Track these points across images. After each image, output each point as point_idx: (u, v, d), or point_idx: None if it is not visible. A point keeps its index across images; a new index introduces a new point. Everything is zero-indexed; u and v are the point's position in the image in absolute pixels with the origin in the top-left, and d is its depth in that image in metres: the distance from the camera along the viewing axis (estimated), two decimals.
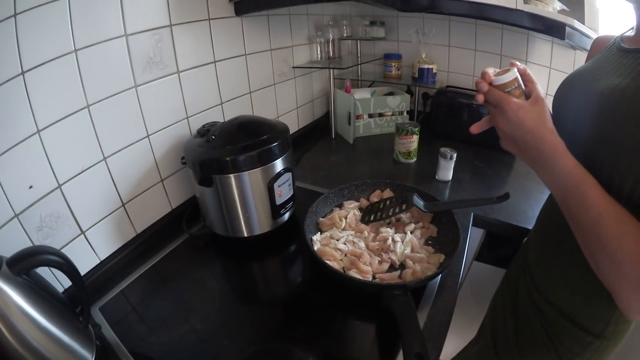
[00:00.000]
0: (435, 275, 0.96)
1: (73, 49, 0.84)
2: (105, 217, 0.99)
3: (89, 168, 0.92)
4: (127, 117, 0.99)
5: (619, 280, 0.60)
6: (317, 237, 1.14)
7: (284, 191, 1.17)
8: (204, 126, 1.15)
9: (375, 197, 1.30)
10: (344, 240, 1.12)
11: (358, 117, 1.90)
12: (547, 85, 1.68)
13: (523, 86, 0.72)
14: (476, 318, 1.27)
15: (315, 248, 1.09)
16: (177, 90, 1.13)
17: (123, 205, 1.04)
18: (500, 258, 1.48)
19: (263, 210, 1.15)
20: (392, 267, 1.06)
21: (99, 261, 1.00)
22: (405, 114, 1.96)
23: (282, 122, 1.21)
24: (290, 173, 1.19)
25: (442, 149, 1.51)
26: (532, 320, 0.93)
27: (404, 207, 1.17)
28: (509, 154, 1.44)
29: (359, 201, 1.30)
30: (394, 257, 1.06)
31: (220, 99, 1.33)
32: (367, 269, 1.01)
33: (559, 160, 0.65)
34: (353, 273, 0.99)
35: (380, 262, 1.04)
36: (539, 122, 0.68)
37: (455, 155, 1.49)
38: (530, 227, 1.12)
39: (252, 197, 1.11)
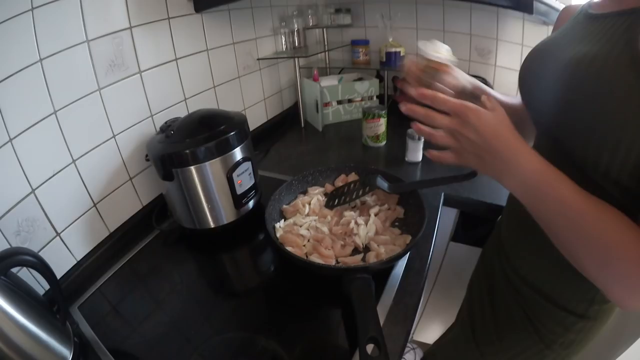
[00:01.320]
0: (398, 257, 0.89)
1: (38, 58, 0.84)
2: (78, 218, 0.98)
3: (59, 171, 0.92)
4: (93, 119, 0.99)
5: (611, 282, 0.53)
6: (280, 225, 1.06)
7: (244, 180, 1.10)
8: (166, 122, 1.11)
9: (340, 182, 1.22)
10: (307, 226, 1.04)
11: (326, 104, 1.83)
12: (520, 63, 1.61)
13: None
14: (458, 300, 1.20)
15: (278, 235, 1.01)
16: (140, 90, 1.11)
17: (94, 205, 1.02)
18: (478, 238, 1.41)
19: (226, 200, 1.09)
20: (356, 251, 0.98)
21: (75, 261, 0.99)
22: (375, 98, 1.88)
23: (241, 113, 1.16)
24: (250, 162, 1.12)
25: (410, 130, 1.43)
26: (510, 302, 0.86)
27: (367, 189, 1.09)
28: None
29: (323, 187, 1.22)
30: (357, 240, 0.98)
31: (184, 95, 1.28)
32: (329, 253, 0.93)
33: (529, 162, 0.58)
34: (314, 258, 0.92)
35: (343, 246, 0.97)
36: (503, 124, 0.60)
37: (423, 138, 1.42)
38: (504, 204, 1.06)
39: (214, 188, 1.05)
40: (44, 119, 0.87)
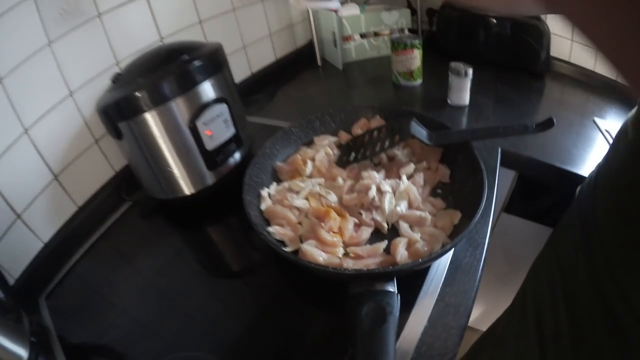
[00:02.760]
0: (443, 252, 0.52)
1: None
2: (39, 195, 0.78)
3: (11, 146, 0.72)
4: (44, 79, 0.76)
5: None
6: (270, 191, 0.70)
7: (217, 130, 0.76)
8: (119, 71, 0.81)
9: (359, 129, 0.84)
10: (307, 194, 0.68)
11: (347, 38, 1.42)
12: None
13: None
14: (505, 280, 0.85)
15: (263, 207, 0.66)
16: (101, 35, 0.84)
17: (55, 177, 0.80)
18: (539, 211, 1.03)
19: (194, 159, 0.76)
20: (377, 235, 0.62)
21: (42, 244, 0.78)
22: (406, 32, 1.45)
23: (216, 42, 0.82)
24: (226, 105, 0.77)
25: (453, 64, 1.04)
26: (600, 330, 0.53)
27: (397, 139, 0.71)
28: (536, 78, 1.09)
29: (336, 135, 0.84)
30: (379, 218, 0.62)
31: (159, 34, 0.96)
32: (333, 240, 0.58)
33: None
34: (309, 248, 0.56)
35: (357, 227, 0.60)
36: None
37: (470, 72, 1.02)
38: (578, 171, 0.81)
39: (175, 143, 0.73)
40: None
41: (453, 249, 0.58)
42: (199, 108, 0.72)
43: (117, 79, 0.73)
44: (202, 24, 1.06)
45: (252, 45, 1.28)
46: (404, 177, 0.68)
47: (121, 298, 0.70)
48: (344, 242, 0.60)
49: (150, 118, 0.68)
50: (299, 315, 0.58)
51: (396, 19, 1.43)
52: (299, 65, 1.46)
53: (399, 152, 0.76)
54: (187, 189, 0.78)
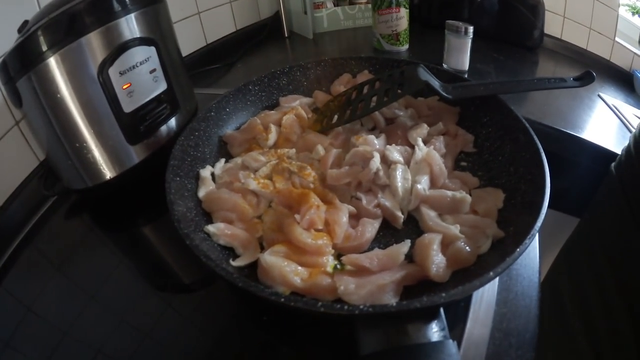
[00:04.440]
0: (518, 255, 0.27)
1: None
2: None
3: None
4: None
5: None
6: (214, 170, 0.44)
7: (138, 85, 0.49)
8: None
9: (342, 86, 0.58)
10: (269, 171, 0.41)
11: (319, 5, 1.16)
12: None
13: None
14: None
15: (201, 195, 0.39)
16: None
17: None
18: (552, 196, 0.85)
19: (111, 127, 0.49)
20: (385, 229, 0.36)
21: None
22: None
23: None
24: (155, 48, 0.51)
25: (451, 22, 0.81)
26: None
27: (399, 91, 0.46)
28: (531, 51, 0.98)
29: (311, 96, 0.58)
30: (388, 203, 0.37)
31: None
32: (316, 244, 0.31)
33: None
34: (274, 260, 0.30)
35: (354, 220, 0.34)
36: None
37: (471, 30, 0.79)
38: (603, 144, 0.66)
39: (86, 103, 0.47)
40: None
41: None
42: (115, 51, 0.45)
43: (24, 27, 0.46)
44: None
45: (208, 12, 1.04)
46: (419, 141, 0.42)
47: (61, 317, 0.49)
48: (335, 246, 0.34)
49: (54, 64, 0.43)
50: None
51: None
52: (263, 38, 1.20)
53: (402, 113, 0.51)
54: (108, 171, 0.51)
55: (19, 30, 0.48)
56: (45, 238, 0.62)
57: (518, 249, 0.28)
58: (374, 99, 0.48)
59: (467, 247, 0.33)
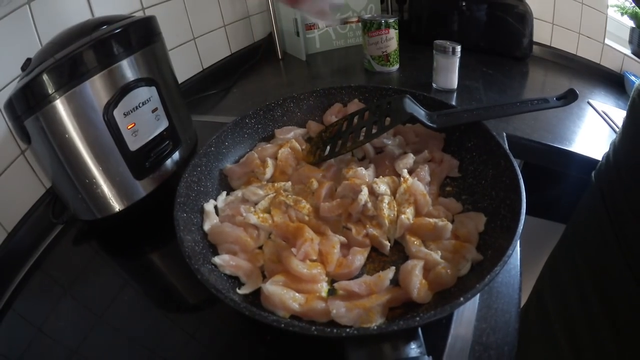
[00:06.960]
0: (493, 277, 0.32)
1: None
2: None
3: None
4: None
5: None
6: (217, 203, 0.49)
7: (142, 124, 0.54)
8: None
9: (333, 116, 0.63)
10: (267, 205, 0.46)
11: (310, 27, 1.22)
12: None
13: None
14: None
15: (207, 228, 0.45)
16: (29, 24, 0.64)
17: None
18: (545, 205, 0.89)
19: (117, 164, 0.54)
20: (375, 256, 0.41)
21: None
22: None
23: (146, 16, 0.61)
24: (155, 88, 0.56)
25: (438, 42, 0.86)
26: None
27: (387, 122, 0.51)
28: (520, 61, 1.03)
29: (304, 126, 0.63)
30: (376, 232, 0.42)
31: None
32: (311, 273, 0.37)
33: None
34: (274, 289, 0.35)
35: (345, 249, 0.39)
36: None
37: (459, 49, 0.85)
38: (591, 154, 0.70)
39: (93, 142, 0.52)
40: None
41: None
42: (118, 92, 0.50)
43: (27, 65, 0.51)
44: (144, 10, 0.87)
45: (203, 37, 1.09)
46: (405, 172, 0.48)
47: (71, 338, 0.52)
48: (328, 273, 0.39)
49: (61, 106, 0.47)
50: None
51: (364, 4, 1.25)
52: (257, 60, 1.25)
53: (390, 142, 0.56)
54: (116, 204, 0.56)
55: (23, 68, 0.53)
56: (55, 262, 0.66)
57: (488, 276, 0.33)
58: (364, 130, 0.54)
59: (448, 271, 0.38)
